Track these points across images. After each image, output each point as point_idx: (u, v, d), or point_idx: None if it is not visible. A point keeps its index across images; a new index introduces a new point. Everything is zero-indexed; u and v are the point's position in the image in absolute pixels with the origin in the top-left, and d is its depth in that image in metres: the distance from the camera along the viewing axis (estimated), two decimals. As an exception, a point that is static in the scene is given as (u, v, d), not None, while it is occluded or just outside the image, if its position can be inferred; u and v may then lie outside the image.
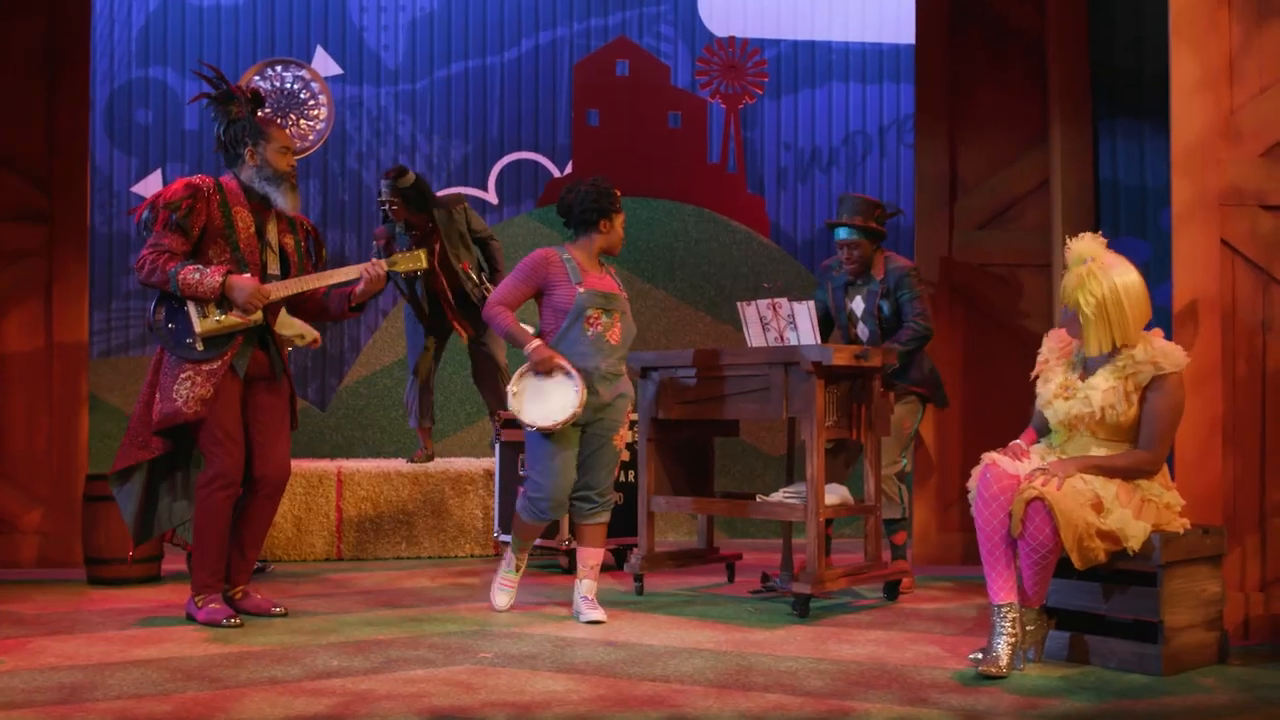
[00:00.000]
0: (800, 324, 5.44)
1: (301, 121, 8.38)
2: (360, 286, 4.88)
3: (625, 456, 4.92)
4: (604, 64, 8.44)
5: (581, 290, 4.91)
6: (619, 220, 5.01)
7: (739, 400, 5.28)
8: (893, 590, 5.43)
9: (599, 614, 4.82)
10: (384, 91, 8.66)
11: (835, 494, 5.23)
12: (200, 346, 4.66)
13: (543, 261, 4.96)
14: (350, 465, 6.91)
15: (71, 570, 5.98)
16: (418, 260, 4.94)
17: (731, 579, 5.99)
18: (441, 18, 8.70)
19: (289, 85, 8.37)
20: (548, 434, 4.85)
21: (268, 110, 4.98)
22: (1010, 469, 3.99)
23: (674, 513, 6.84)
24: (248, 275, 4.66)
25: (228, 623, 4.61)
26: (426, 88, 8.73)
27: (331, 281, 4.84)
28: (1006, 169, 6.37)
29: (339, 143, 8.55)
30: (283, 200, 4.80)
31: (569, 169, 8.52)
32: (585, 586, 4.94)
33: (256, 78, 8.34)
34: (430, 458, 7.14)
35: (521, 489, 6.41)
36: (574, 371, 4.81)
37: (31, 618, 4.86)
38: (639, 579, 5.61)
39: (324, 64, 8.56)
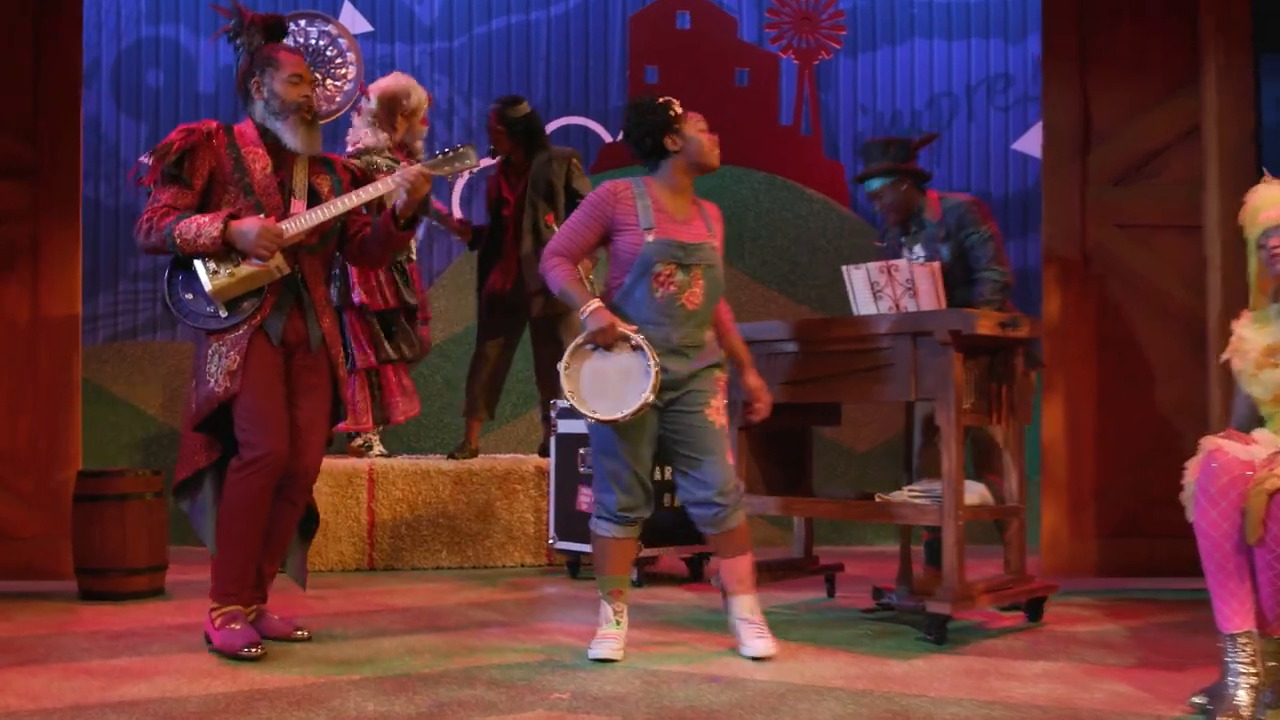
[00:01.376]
0: (922, 289, 4.55)
1: (328, 82, 7.51)
2: (399, 200, 3.99)
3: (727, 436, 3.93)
4: (663, 16, 7.55)
5: (650, 239, 3.87)
6: (691, 126, 3.98)
7: (853, 380, 4.38)
8: (1036, 609, 4.52)
9: (766, 644, 3.81)
10: (418, 50, 7.81)
11: (974, 493, 4.32)
12: (223, 312, 3.86)
13: (610, 196, 3.93)
14: (383, 462, 6.04)
15: (61, 581, 5.13)
16: (465, 157, 4.03)
17: (832, 593, 5.09)
18: (482, -31, 7.84)
19: (314, 42, 7.51)
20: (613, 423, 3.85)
21: (291, 43, 4.10)
22: (1242, 455, 3.08)
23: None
24: (257, 216, 3.83)
25: (247, 652, 3.71)
26: (465, 45, 7.87)
27: (356, 203, 3.95)
28: (1147, 116, 5.45)
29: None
30: (292, 137, 3.95)
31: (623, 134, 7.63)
32: (741, 605, 3.91)
33: (278, 33, 7.50)
34: (474, 454, 6.28)
35: (586, 492, 5.63)
36: (644, 343, 3.78)
37: (3, 641, 4.02)
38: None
39: (352, 20, 7.71)
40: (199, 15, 7.76)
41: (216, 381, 3.83)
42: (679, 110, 3.99)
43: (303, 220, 3.89)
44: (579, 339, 3.85)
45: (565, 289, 3.93)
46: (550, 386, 6.26)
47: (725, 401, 3.96)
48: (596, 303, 3.85)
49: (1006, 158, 7.94)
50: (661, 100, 4.01)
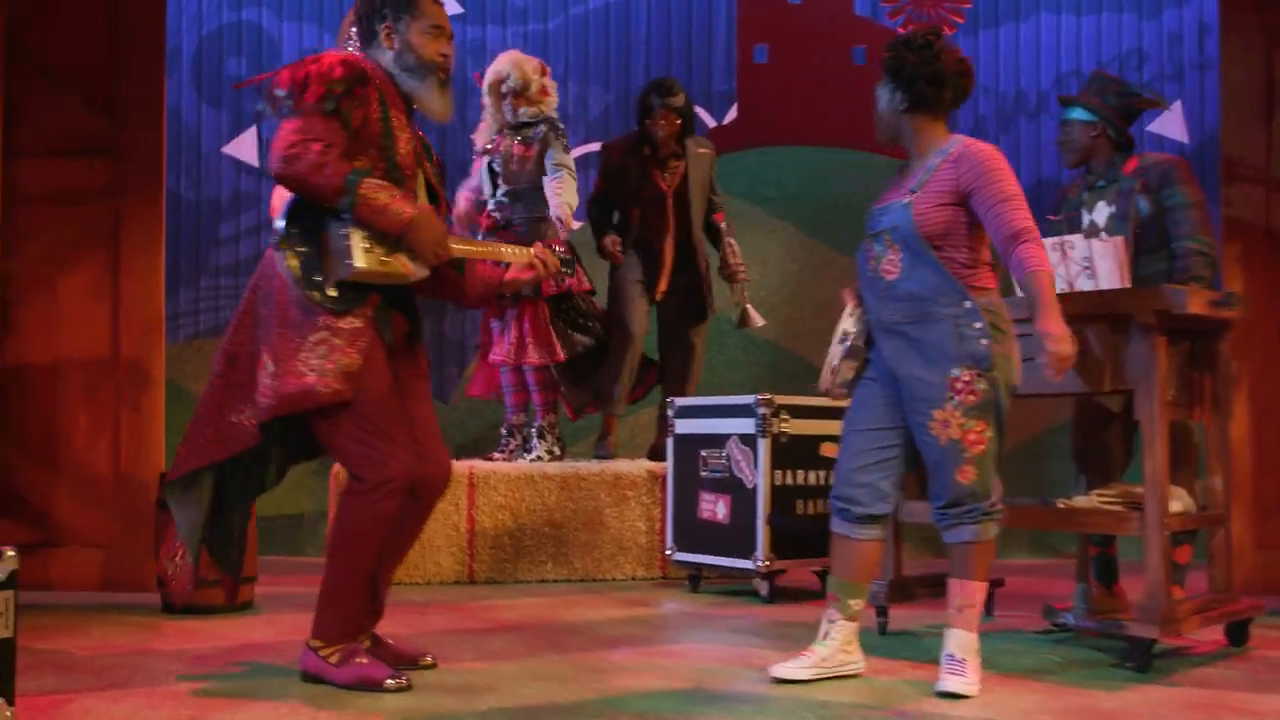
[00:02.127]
0: (1102, 268, 4.02)
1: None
2: (521, 274, 3.56)
3: (974, 446, 3.29)
4: (774, -10, 7.06)
5: (869, 211, 3.52)
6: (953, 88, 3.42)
7: (1035, 369, 3.83)
8: (1240, 632, 3.94)
9: (963, 682, 3.22)
10: (510, 32, 7.39)
11: (1176, 499, 3.74)
12: (333, 290, 3.20)
13: None
14: (485, 467, 5.57)
15: (143, 594, 4.72)
16: (568, 273, 3.76)
17: (990, 611, 4.53)
18: (578, -57, 7.40)
19: (402, 22, 7.11)
20: (859, 384, 3.56)
21: None
22: None
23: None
24: (433, 212, 3.33)
25: (392, 685, 3.17)
26: (560, 27, 7.44)
27: (509, 257, 3.52)
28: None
29: (458, 92, 7.24)
30: (431, 102, 3.38)
31: (730, 116, 7.15)
32: (952, 641, 3.31)
33: (365, 14, 7.10)
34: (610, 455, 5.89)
35: (708, 498, 5.14)
36: (848, 309, 3.57)
37: (82, 661, 3.59)
38: (883, 613, 4.18)
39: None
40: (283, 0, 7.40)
41: (321, 378, 3.14)
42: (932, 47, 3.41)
43: (467, 249, 3.46)
44: None
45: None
46: (674, 387, 5.80)
47: (969, 406, 3.29)
48: None
49: (1142, 140, 7.33)
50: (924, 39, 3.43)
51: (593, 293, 5.82)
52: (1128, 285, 3.95)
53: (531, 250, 3.56)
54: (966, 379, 3.27)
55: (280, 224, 3.24)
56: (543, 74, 5.80)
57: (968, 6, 7.14)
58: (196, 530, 3.36)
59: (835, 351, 3.56)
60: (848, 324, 3.56)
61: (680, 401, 5.28)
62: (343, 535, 3.27)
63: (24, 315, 4.77)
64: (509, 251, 3.55)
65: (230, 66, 7.32)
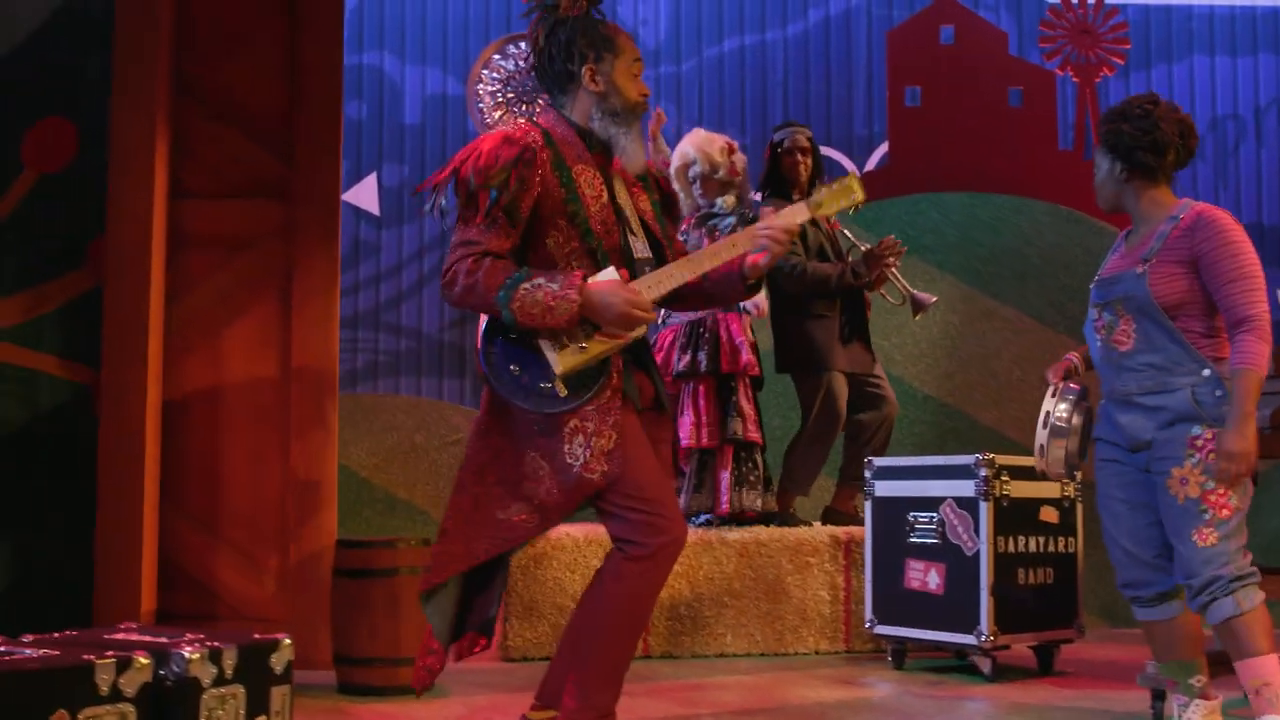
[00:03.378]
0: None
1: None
2: (760, 257, 3.06)
3: (1217, 508, 3.03)
4: (925, 30, 6.76)
5: (1093, 284, 3.43)
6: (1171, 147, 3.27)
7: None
8: None
9: None
10: (644, 75, 7.08)
11: None
12: (563, 391, 2.97)
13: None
14: (657, 530, 5.16)
15: (316, 672, 4.32)
16: (850, 192, 3.15)
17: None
18: (710, -15, 7.14)
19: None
20: (1102, 470, 3.39)
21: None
22: None
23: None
24: (609, 275, 2.96)
25: None
26: (694, 69, 7.16)
27: (717, 263, 3.06)
28: None
29: (588, 138, 6.98)
30: (635, 147, 3.08)
31: (875, 162, 6.83)
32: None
33: (496, 56, 6.83)
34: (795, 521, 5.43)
35: (916, 566, 4.75)
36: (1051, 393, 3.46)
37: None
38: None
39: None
40: (404, 42, 7.14)
41: (586, 465, 2.94)
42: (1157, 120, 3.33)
43: (662, 282, 3.02)
44: None
45: None
46: (859, 450, 5.39)
47: (1210, 464, 3.11)
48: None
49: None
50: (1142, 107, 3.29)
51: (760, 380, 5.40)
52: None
53: (750, 230, 3.10)
54: (1208, 436, 3.13)
55: (481, 356, 3.04)
56: (731, 153, 5.37)
57: (1127, 47, 6.83)
58: (450, 622, 3.14)
59: (1041, 433, 3.46)
60: (1049, 404, 3.46)
61: (880, 462, 4.89)
62: (622, 606, 3.01)
63: (188, 364, 4.43)
64: (724, 250, 3.08)
65: (351, 109, 7.04)
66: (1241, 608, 3.06)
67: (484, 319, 3.04)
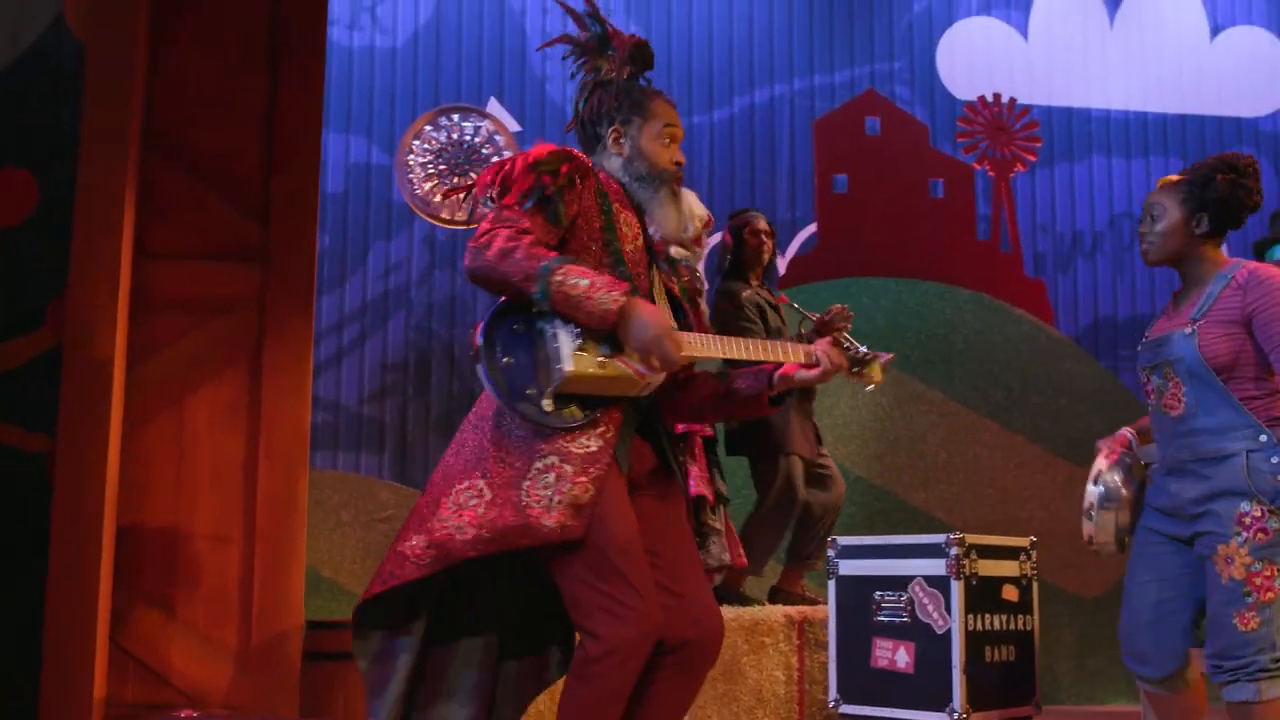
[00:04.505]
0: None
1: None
2: (810, 372, 2.87)
3: (1261, 591, 3.10)
4: (851, 120, 6.98)
5: (1141, 346, 3.38)
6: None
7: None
8: None
9: None
10: (570, 152, 7.10)
11: None
12: (548, 405, 2.65)
13: None
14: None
15: (282, 763, 4.08)
16: (874, 376, 3.06)
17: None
18: (639, 67, 7.21)
19: (469, 137, 6.79)
20: (1138, 537, 3.37)
21: (649, 80, 3.08)
22: None
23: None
24: (657, 307, 2.77)
25: None
26: (621, 149, 7.20)
27: (772, 357, 2.86)
28: None
29: (515, 212, 6.93)
30: (666, 213, 2.91)
31: (798, 246, 6.97)
32: None
33: (428, 127, 6.75)
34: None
35: (883, 645, 4.78)
36: (1100, 460, 3.35)
37: None
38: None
39: (499, 117, 7.00)
40: (329, 108, 6.95)
41: (549, 510, 2.58)
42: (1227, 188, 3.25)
43: (707, 346, 2.82)
44: None
45: None
46: (808, 531, 5.43)
47: (1258, 545, 3.09)
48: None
49: None
50: (1252, 166, 3.27)
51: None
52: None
53: (811, 348, 2.90)
54: (1257, 514, 3.08)
55: (480, 336, 2.70)
56: (707, 226, 5.42)
57: (1039, 145, 7.18)
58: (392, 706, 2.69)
59: (1092, 501, 3.39)
60: (1105, 473, 3.39)
61: (845, 541, 4.93)
62: (580, 710, 2.62)
63: (150, 434, 4.19)
64: (778, 350, 2.89)
65: (270, 177, 6.86)
66: (1262, 696, 3.06)
67: (496, 307, 2.76)
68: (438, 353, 6.80)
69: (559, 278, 2.61)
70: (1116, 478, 3.35)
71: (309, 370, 4.31)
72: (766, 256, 5.49)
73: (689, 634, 2.74)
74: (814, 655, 5.11)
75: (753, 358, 2.85)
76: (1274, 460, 3.08)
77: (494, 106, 7.03)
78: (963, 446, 6.63)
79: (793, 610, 5.25)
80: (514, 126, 7.01)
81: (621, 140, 2.90)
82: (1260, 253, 4.49)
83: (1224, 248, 3.34)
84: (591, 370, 2.65)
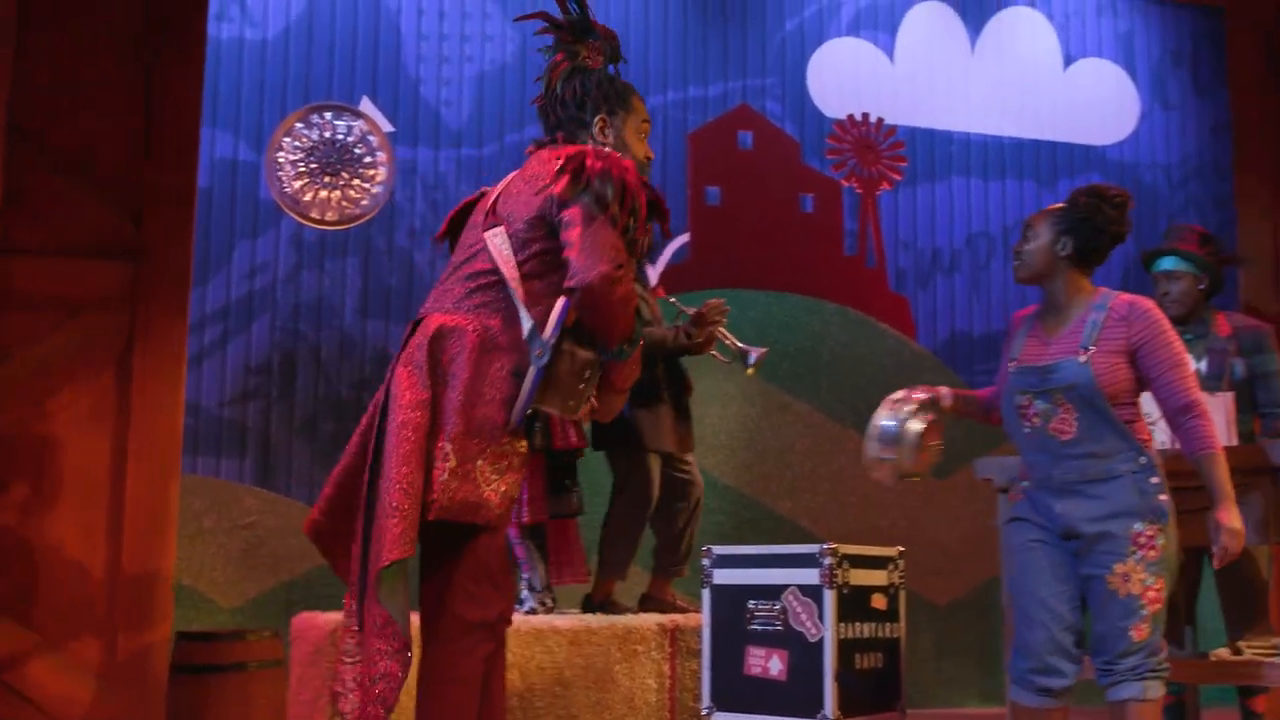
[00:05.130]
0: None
1: (355, 182, 6.65)
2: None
3: (1152, 603, 3.27)
4: (725, 134, 7.07)
5: (1012, 369, 3.49)
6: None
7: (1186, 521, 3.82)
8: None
9: None
10: (444, 155, 7.04)
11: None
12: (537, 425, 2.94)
13: (1012, 323, 3.64)
14: (490, 619, 5.04)
15: (147, 780, 3.94)
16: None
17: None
18: (514, 72, 7.20)
19: (341, 136, 6.66)
20: (1028, 553, 3.46)
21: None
22: None
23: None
24: None
25: None
26: (496, 154, 7.16)
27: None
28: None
29: (387, 213, 6.84)
30: None
31: (668, 257, 7.02)
32: None
33: (299, 124, 6.60)
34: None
35: (757, 653, 4.85)
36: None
37: None
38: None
39: (372, 117, 6.89)
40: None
41: (496, 497, 2.81)
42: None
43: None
44: None
45: None
46: (673, 536, 5.46)
47: (1150, 558, 3.28)
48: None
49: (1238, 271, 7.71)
50: (1120, 197, 3.43)
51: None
52: (1234, 441, 4.05)
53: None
54: (1149, 534, 3.26)
55: (553, 332, 2.81)
56: None
57: (905, 164, 7.38)
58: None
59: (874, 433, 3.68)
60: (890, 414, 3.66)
61: (719, 550, 4.98)
62: (452, 685, 2.81)
63: (9, 436, 4.00)
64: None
65: (130, 170, 6.61)
66: (1145, 695, 3.23)
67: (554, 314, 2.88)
68: (304, 355, 6.64)
69: (638, 351, 2.96)
70: (898, 418, 3.62)
71: (183, 371, 4.20)
72: (645, 246, 5.52)
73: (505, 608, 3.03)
74: (685, 663, 5.17)
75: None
76: (1153, 481, 3.31)
77: (367, 105, 6.91)
78: (828, 456, 6.78)
79: (665, 619, 5.29)
80: (387, 127, 6.91)
81: (607, 131, 3.06)
82: (1148, 263, 4.67)
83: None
84: (585, 417, 3.01)
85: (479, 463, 2.77)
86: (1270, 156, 5.35)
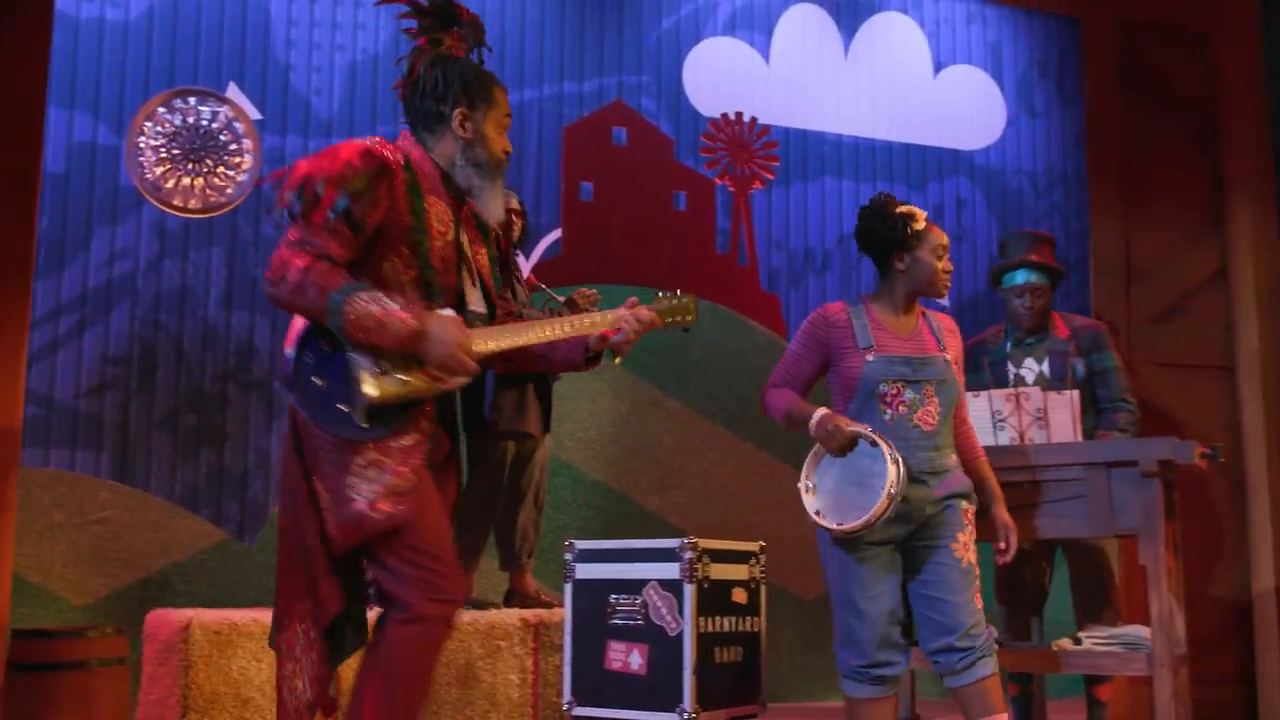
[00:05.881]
0: (1056, 419, 4.23)
1: (220, 169, 6.49)
2: (620, 335, 3.19)
3: (978, 577, 3.50)
4: (599, 129, 7.06)
5: (870, 358, 3.56)
6: (927, 248, 3.64)
7: (1028, 514, 3.94)
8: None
9: None
10: (312, 145, 6.88)
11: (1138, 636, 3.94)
12: (364, 422, 2.85)
13: (821, 322, 3.69)
14: (349, 615, 4.97)
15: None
16: (687, 311, 3.35)
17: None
18: (387, 62, 7.09)
19: (206, 122, 6.50)
20: (854, 551, 3.55)
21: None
22: None
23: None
24: (450, 313, 2.95)
25: None
26: (367, 144, 7.05)
27: (570, 333, 3.13)
28: (1181, 255, 5.48)
29: (253, 202, 6.70)
30: (494, 198, 3.11)
31: (542, 251, 7.00)
32: None
33: (161, 109, 6.43)
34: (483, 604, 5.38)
35: (618, 647, 4.85)
36: (879, 439, 3.48)
37: None
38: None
39: (238, 104, 6.74)
40: (52, 81, 6.54)
41: (373, 503, 2.82)
42: (919, 227, 3.56)
43: (502, 339, 3.02)
44: (812, 452, 3.43)
45: (790, 411, 3.62)
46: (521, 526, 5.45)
47: (973, 536, 3.47)
48: (822, 411, 3.41)
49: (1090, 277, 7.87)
50: (902, 211, 3.57)
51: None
52: (1080, 439, 4.18)
53: (624, 314, 3.22)
54: (972, 514, 3.59)
55: (290, 352, 2.91)
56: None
57: (777, 164, 7.46)
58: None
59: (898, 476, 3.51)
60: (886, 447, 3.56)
61: (581, 545, 4.99)
62: (400, 676, 2.85)
63: None
64: (580, 323, 3.16)
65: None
66: (995, 668, 3.44)
67: (296, 325, 2.92)
68: (165, 346, 6.46)
69: (349, 310, 2.76)
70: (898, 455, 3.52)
71: (21, 363, 4.06)
72: (516, 234, 5.52)
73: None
74: (549, 658, 5.16)
75: (554, 338, 3.11)
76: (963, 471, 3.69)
77: (233, 92, 6.75)
78: (697, 453, 6.83)
79: (528, 613, 5.28)
80: (254, 114, 6.76)
81: (467, 124, 3.03)
82: (997, 280, 4.80)
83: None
84: (394, 390, 2.85)
85: (345, 480, 2.84)
86: (1123, 164, 5.53)
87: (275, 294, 2.83)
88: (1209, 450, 3.91)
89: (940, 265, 3.62)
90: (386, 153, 2.91)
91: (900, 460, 3.43)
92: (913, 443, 3.52)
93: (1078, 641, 3.97)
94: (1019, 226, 7.97)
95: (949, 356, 3.63)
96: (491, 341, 2.99)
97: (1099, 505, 3.80)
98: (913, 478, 3.48)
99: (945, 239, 3.68)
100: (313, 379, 2.86)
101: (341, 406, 2.85)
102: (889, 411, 3.55)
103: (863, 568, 3.53)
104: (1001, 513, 3.67)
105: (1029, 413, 4.30)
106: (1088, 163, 5.69)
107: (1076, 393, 4.23)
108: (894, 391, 3.54)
